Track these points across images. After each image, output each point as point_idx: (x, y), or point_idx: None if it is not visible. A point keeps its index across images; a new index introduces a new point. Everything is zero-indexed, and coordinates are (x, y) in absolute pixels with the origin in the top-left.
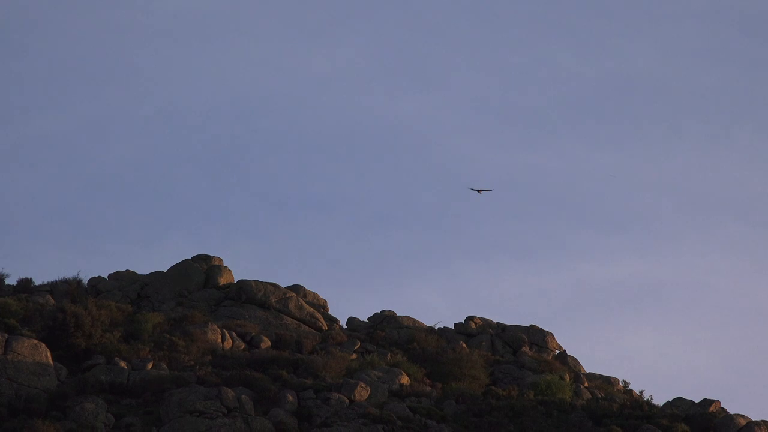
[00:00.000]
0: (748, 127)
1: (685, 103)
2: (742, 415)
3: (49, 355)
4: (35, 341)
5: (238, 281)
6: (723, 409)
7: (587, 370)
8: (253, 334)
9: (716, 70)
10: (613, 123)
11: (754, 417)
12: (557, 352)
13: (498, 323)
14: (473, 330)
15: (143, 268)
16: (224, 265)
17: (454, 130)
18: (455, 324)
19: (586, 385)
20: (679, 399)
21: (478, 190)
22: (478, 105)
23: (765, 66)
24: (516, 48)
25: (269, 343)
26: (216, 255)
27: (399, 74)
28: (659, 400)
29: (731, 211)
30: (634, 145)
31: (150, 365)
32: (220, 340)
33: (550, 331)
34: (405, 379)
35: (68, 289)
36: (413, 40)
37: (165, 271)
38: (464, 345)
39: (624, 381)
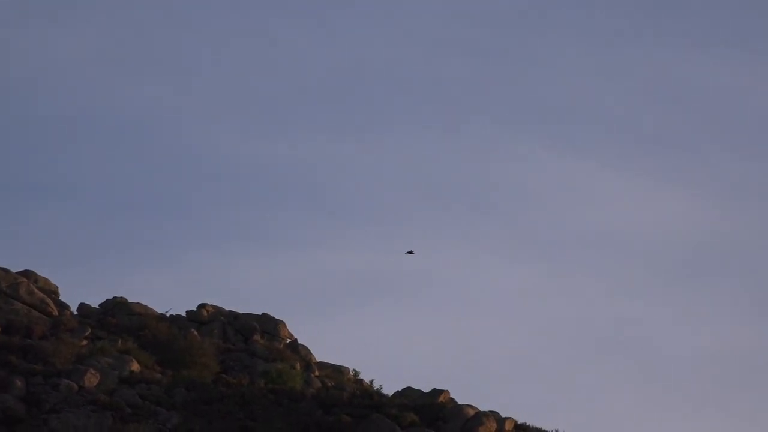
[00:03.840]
0: (485, 118)
1: (425, 93)
2: (470, 406)
3: None
4: None
5: None
6: (452, 399)
7: (319, 359)
8: None
9: (455, 61)
10: (355, 112)
11: (483, 408)
12: (288, 340)
13: (230, 311)
14: (205, 318)
15: None
16: None
17: (196, 118)
18: (187, 311)
19: (317, 374)
20: (409, 389)
21: (408, 252)
22: (221, 92)
23: (504, 57)
24: (259, 35)
25: None
26: None
27: (145, 60)
28: (389, 390)
29: (466, 202)
30: (376, 135)
31: None
32: None
33: (282, 319)
34: (135, 366)
35: None
36: (157, 25)
37: None
38: (195, 333)
39: (354, 370)
